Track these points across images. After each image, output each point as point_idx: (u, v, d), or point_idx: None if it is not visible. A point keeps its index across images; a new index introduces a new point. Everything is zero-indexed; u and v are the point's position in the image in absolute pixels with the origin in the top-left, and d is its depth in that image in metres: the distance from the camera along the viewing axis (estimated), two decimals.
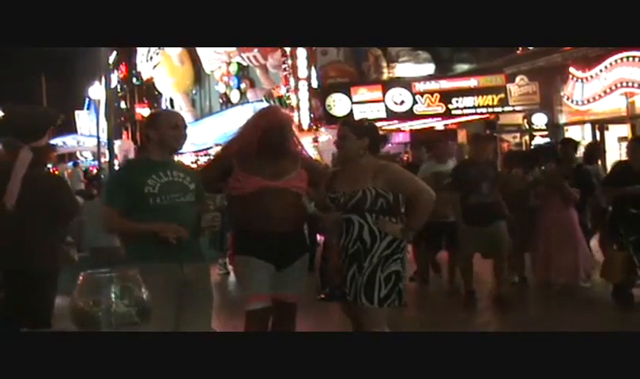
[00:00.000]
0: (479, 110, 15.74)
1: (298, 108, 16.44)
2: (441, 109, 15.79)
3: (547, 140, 13.85)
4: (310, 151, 12.74)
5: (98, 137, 21.41)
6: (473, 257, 7.02)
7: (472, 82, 15.77)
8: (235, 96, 22.51)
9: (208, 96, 26.44)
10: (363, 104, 15.88)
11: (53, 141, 5.82)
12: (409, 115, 16.03)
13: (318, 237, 4.53)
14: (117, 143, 21.48)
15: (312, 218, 4.07)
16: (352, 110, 15.76)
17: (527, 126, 15.57)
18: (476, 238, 6.78)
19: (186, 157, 19.40)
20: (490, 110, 15.73)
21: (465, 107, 15.70)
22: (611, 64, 12.68)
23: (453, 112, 15.80)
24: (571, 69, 13.68)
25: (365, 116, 14.60)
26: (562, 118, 15.27)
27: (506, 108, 15.69)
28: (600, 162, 8.80)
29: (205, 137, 20.32)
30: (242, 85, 22.33)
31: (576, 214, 7.26)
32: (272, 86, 19.32)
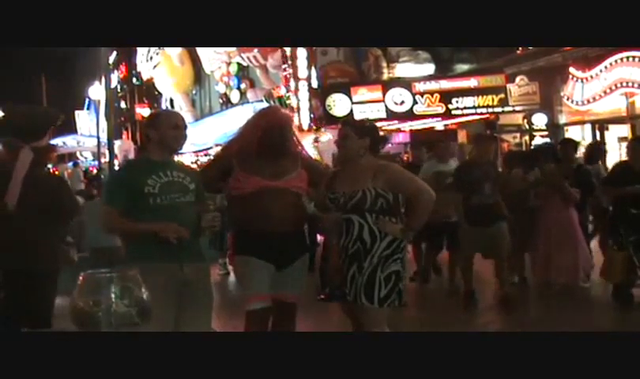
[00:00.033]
0: (479, 111, 15.74)
1: (298, 109, 16.43)
2: (441, 109, 15.78)
3: (547, 140, 13.84)
4: (311, 151, 12.74)
5: (98, 137, 21.40)
6: (474, 257, 7.03)
7: (472, 82, 15.77)
8: (235, 96, 22.50)
9: (209, 96, 26.43)
10: (363, 104, 15.87)
11: (53, 141, 5.82)
12: (409, 115, 16.02)
13: (318, 237, 4.53)
14: (117, 143, 21.47)
15: (312, 218, 4.08)
16: (352, 111, 15.76)
17: (527, 126, 15.57)
18: (477, 238, 6.78)
19: (186, 157, 19.40)
20: (490, 110, 15.73)
21: (465, 107, 15.70)
22: (611, 64, 12.69)
23: (453, 112, 15.80)
24: (571, 69, 13.68)
25: (365, 116, 14.62)
26: (563, 119, 15.27)
27: (506, 108, 15.69)
28: (600, 162, 8.77)
29: (205, 137, 20.32)
30: (242, 85, 22.32)
31: (576, 214, 7.26)
32: (272, 86, 19.31)
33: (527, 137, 15.72)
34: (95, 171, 20.53)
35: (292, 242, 4.01)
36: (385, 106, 15.85)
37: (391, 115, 15.96)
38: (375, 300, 3.80)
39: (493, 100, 15.56)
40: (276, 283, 3.95)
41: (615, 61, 12.57)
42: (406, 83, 16.14)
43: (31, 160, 4.18)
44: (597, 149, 8.95)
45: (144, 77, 29.71)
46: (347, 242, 3.86)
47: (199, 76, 26.46)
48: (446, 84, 15.99)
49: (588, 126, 14.58)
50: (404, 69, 17.08)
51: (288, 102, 16.68)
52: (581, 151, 8.77)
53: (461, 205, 6.87)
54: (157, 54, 26.96)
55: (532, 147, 13.98)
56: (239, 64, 21.95)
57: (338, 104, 15.96)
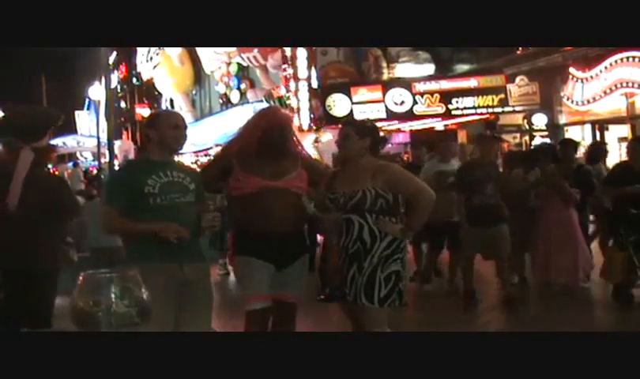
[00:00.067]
0: (479, 111, 15.72)
1: (298, 109, 16.43)
2: (441, 109, 15.77)
3: (547, 140, 13.84)
4: (311, 151, 12.73)
5: (98, 138, 21.41)
6: (475, 258, 7.02)
7: (472, 82, 15.76)
8: (235, 97, 22.50)
9: (209, 97, 26.44)
10: (363, 104, 15.86)
11: (53, 141, 5.81)
12: (409, 115, 16.01)
13: (318, 237, 4.53)
14: (117, 143, 21.49)
15: (312, 218, 4.08)
16: (352, 111, 15.74)
17: (527, 127, 15.56)
18: (478, 239, 6.77)
19: (186, 157, 19.40)
20: (490, 110, 15.71)
21: (465, 108, 15.68)
22: (611, 64, 12.68)
23: (453, 112, 15.79)
24: (571, 70, 13.67)
25: (365, 116, 14.63)
26: (563, 119, 15.27)
27: (506, 108, 15.68)
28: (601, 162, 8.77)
29: (205, 138, 20.32)
30: (242, 86, 22.32)
31: (576, 214, 7.26)
32: (272, 86, 19.31)
33: (527, 137, 15.71)
34: (95, 171, 20.53)
35: (292, 242, 4.01)
36: (385, 106, 15.84)
37: (391, 115, 15.95)
38: (375, 300, 3.80)
39: (493, 100, 15.55)
40: (276, 283, 3.95)
41: (615, 61, 12.56)
42: (406, 83, 16.13)
43: (31, 161, 4.18)
44: (599, 149, 8.94)
45: (144, 77, 29.72)
46: (347, 242, 3.86)
47: (199, 76, 26.46)
48: (446, 85, 15.98)
49: (588, 126, 14.58)
50: (404, 69, 17.08)
51: (288, 102, 16.67)
52: (581, 152, 8.76)
53: (462, 205, 6.87)
54: (157, 54, 26.97)
55: (532, 147, 13.98)
56: (239, 64, 21.95)
57: (338, 104, 15.95)
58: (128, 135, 34.42)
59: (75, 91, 37.57)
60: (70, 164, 27.35)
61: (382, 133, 4.64)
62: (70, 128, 32.61)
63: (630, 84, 12.48)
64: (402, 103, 15.84)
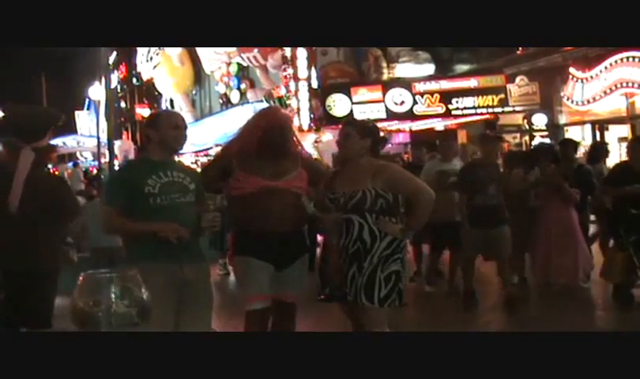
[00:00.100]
0: (479, 111, 15.74)
1: (298, 109, 16.43)
2: (441, 109, 15.79)
3: (547, 140, 13.84)
4: (311, 151, 12.73)
5: (98, 138, 21.39)
6: (476, 258, 7.02)
7: (472, 82, 15.77)
8: (235, 97, 22.51)
9: (209, 97, 26.44)
10: (363, 104, 15.87)
11: (53, 141, 5.81)
12: (409, 116, 16.02)
13: (318, 237, 4.53)
14: (117, 143, 21.47)
15: (312, 218, 4.08)
16: (352, 111, 15.76)
17: (527, 127, 15.57)
18: (480, 240, 6.75)
19: (186, 157, 19.40)
20: (490, 110, 15.73)
21: (465, 108, 15.70)
22: (611, 64, 12.69)
23: (454, 112, 15.80)
24: (571, 70, 13.68)
25: (365, 116, 14.63)
26: (563, 119, 15.27)
27: (506, 108, 15.69)
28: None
29: (205, 138, 20.32)
30: (243, 86, 22.33)
31: (576, 214, 7.25)
32: (272, 86, 19.31)
33: (527, 137, 15.71)
34: (95, 171, 20.53)
35: (292, 242, 4.01)
36: (385, 106, 15.85)
37: (391, 115, 15.96)
38: (375, 300, 3.80)
39: (493, 100, 15.57)
40: (276, 283, 3.95)
41: (615, 61, 12.57)
42: (406, 83, 16.14)
43: (32, 161, 4.18)
44: (600, 149, 8.93)
45: (144, 78, 29.72)
46: (347, 242, 3.86)
47: (199, 76, 26.46)
48: (446, 85, 15.99)
49: (588, 126, 14.58)
50: (404, 69, 17.08)
51: (288, 102, 16.68)
52: (581, 152, 8.75)
53: (464, 206, 6.86)
54: (157, 54, 26.98)
55: (532, 147, 13.99)
56: (239, 64, 21.96)
57: (338, 104, 15.96)
58: (128, 135, 34.42)
59: (75, 91, 37.55)
60: (70, 164, 27.34)
61: (382, 133, 4.63)
62: (70, 128, 32.60)
63: (630, 84, 12.48)
64: (402, 103, 15.85)
